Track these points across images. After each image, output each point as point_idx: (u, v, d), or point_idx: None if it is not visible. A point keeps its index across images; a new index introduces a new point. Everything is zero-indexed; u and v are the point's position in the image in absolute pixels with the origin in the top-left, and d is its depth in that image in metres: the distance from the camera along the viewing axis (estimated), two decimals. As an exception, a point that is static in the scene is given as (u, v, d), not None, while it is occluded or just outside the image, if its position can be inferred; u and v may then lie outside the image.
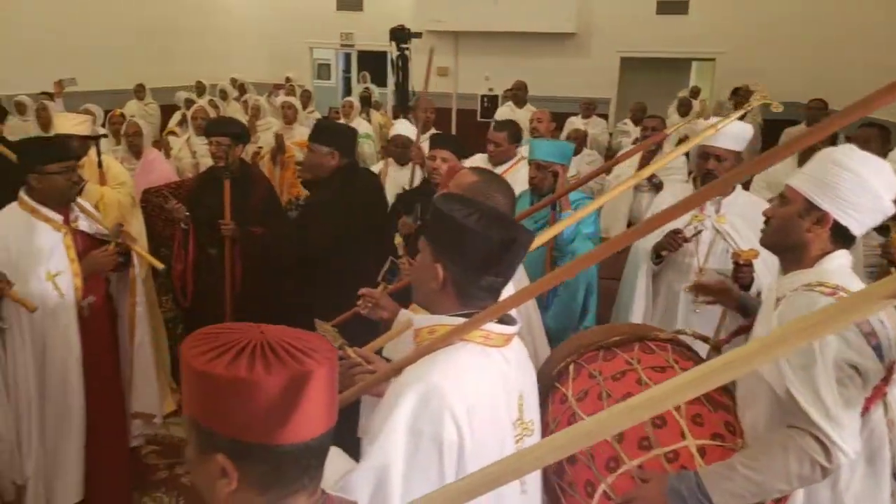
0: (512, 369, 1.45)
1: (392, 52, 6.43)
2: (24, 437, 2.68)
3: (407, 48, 6.20)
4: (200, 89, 9.46)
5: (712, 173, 2.86)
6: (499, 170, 4.17)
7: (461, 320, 1.40)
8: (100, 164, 3.87)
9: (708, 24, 9.87)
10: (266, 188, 3.80)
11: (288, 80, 10.22)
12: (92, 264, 2.80)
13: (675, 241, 2.85)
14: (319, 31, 11.98)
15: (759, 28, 9.50)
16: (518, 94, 7.44)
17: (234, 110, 8.38)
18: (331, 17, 11.84)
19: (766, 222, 1.86)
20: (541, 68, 10.01)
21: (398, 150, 4.44)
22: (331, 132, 3.57)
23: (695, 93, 9.57)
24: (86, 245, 2.86)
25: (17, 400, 2.65)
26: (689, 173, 4.71)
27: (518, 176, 4.13)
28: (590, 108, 8.10)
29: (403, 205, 3.69)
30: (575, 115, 8.25)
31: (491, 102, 10.67)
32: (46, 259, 2.69)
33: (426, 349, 1.40)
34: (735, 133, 2.84)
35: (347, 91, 14.19)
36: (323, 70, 13.99)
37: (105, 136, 4.76)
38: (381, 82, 11.78)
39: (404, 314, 2.06)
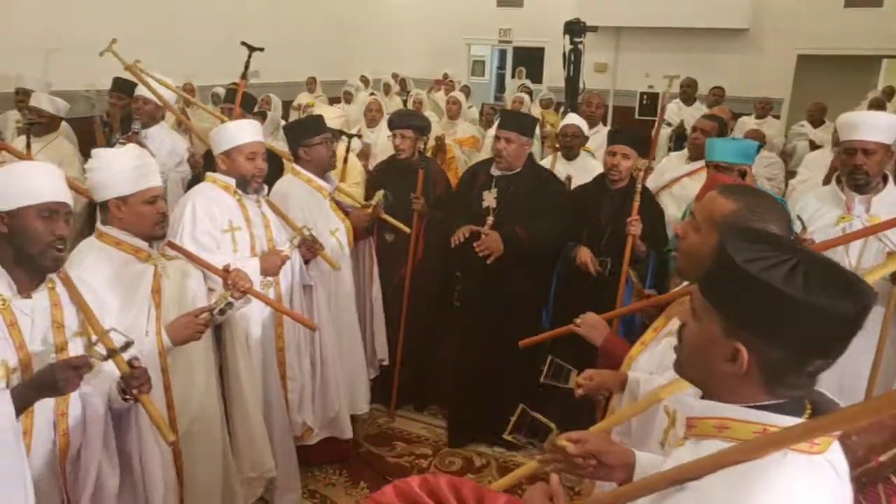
0: (842, 481, 1.06)
1: (565, 45, 6.35)
2: (331, 369, 3.15)
3: (581, 42, 6.12)
4: (364, 83, 9.91)
5: (860, 168, 2.65)
6: (695, 165, 4.01)
7: (767, 416, 1.03)
8: (345, 161, 4.16)
9: (906, 17, 8.89)
10: (445, 181, 3.90)
11: (446, 76, 10.46)
12: (355, 221, 3.34)
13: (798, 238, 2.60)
14: (478, 28, 12.13)
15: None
16: (687, 92, 7.12)
17: (395, 105, 8.70)
18: (490, 13, 11.96)
19: None
20: (707, 66, 9.47)
21: (567, 140, 4.37)
22: (524, 120, 3.54)
23: (889, 93, 8.65)
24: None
25: (322, 342, 3.11)
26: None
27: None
28: (765, 107, 7.59)
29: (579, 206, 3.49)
30: (746, 115, 7.76)
31: (651, 100, 10.29)
32: (326, 219, 3.22)
33: (727, 458, 1.02)
34: (885, 125, 2.66)
35: (500, 88, 14.28)
36: (477, 66, 14.15)
37: (360, 136, 5.13)
38: (536, 78, 11.73)
39: (636, 380, 1.83)
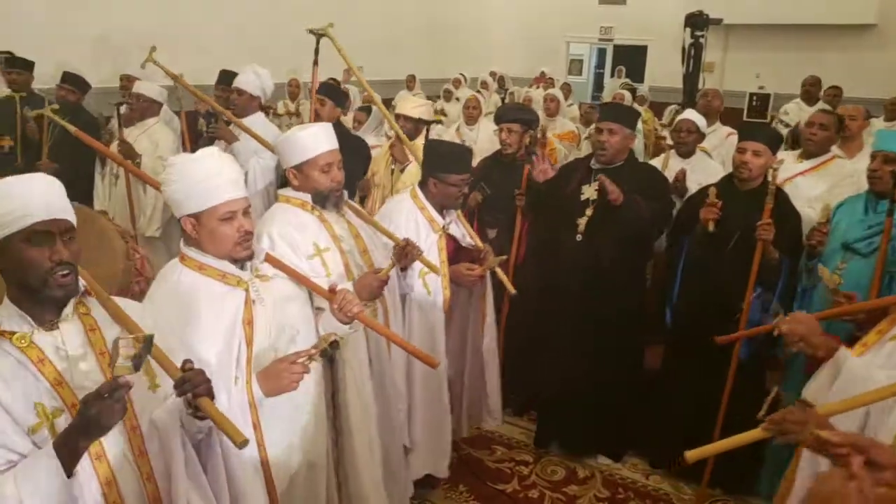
0: None
1: (685, 40, 6.05)
2: (417, 406, 2.87)
3: (702, 36, 5.80)
4: (464, 80, 9.84)
5: None
6: (809, 164, 3.69)
7: None
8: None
9: None
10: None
11: (543, 73, 10.28)
12: (455, 276, 2.92)
13: None
14: (578, 26, 11.89)
15: None
16: (810, 91, 6.65)
17: (493, 102, 8.59)
18: (592, 10, 11.72)
19: None
20: (826, 64, 8.81)
21: (680, 136, 4.13)
22: (626, 111, 3.39)
23: None
24: (450, 247, 2.96)
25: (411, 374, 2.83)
26: None
27: (828, 173, 3.62)
28: (896, 109, 6.96)
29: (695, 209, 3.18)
30: (874, 118, 7.15)
31: (761, 101, 9.70)
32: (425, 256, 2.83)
33: None
34: None
35: (598, 87, 13.91)
36: (574, 65, 13.85)
37: (440, 122, 4.98)
38: (636, 77, 11.34)
39: (845, 357, 1.74)
